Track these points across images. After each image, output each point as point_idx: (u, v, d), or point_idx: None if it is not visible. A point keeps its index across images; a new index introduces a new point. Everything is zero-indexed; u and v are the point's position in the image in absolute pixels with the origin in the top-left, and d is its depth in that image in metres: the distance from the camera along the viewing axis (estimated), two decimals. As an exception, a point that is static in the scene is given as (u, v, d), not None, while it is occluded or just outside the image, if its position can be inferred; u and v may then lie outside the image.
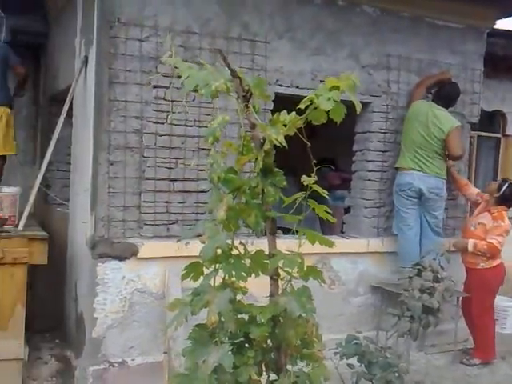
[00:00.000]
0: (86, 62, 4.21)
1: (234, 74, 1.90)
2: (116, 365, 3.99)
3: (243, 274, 1.98)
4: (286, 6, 4.49)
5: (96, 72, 3.94)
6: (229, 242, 1.97)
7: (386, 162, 5.02)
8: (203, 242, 1.98)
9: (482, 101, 5.52)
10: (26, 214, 4.20)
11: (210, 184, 2.02)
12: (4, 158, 5.15)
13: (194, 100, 4.13)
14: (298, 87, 4.52)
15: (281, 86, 4.47)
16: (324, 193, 1.86)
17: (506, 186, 4.92)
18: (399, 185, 4.86)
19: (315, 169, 1.89)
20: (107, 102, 3.96)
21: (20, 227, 4.13)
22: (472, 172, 6.68)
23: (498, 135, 7.24)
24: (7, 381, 3.94)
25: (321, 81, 4.59)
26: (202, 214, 4.28)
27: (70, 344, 4.51)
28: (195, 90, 2.00)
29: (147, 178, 4.14)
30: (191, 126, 4.20)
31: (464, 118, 5.29)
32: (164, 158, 4.18)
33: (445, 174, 4.94)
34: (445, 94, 4.95)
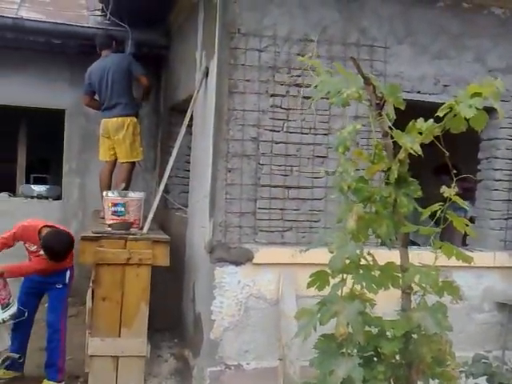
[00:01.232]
0: (206, 73, 4.36)
1: (367, 81, 1.87)
2: (232, 367, 4.08)
3: (373, 285, 1.94)
4: (406, 10, 4.37)
5: (217, 82, 4.07)
6: (358, 252, 1.94)
7: (514, 170, 4.70)
8: (332, 252, 1.96)
9: None
10: (150, 217, 4.43)
11: (339, 193, 1.99)
12: (133, 163, 5.47)
13: (309, 107, 4.13)
14: (419, 92, 4.37)
15: (402, 91, 4.32)
16: (464, 204, 1.77)
17: None
18: None
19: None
20: (226, 111, 4.08)
21: (145, 230, 4.36)
22: None
23: None
24: (131, 376, 4.16)
25: (444, 86, 4.41)
26: (316, 221, 4.26)
27: (188, 344, 4.68)
28: (325, 98, 1.99)
29: (263, 185, 4.20)
30: (307, 134, 4.21)
31: None
32: (279, 166, 4.22)
33: None
34: None
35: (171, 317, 5.18)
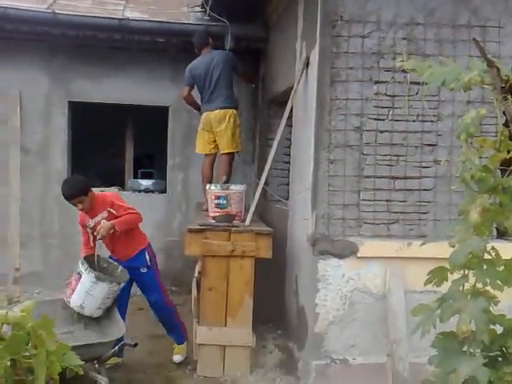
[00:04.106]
0: (307, 63, 4.31)
1: (491, 63, 1.74)
2: (338, 362, 4.03)
3: (498, 281, 1.81)
4: (523, -16, 4.06)
5: (318, 72, 4.01)
6: (482, 246, 1.82)
7: None
8: (453, 246, 1.86)
9: None
10: (252, 210, 4.48)
11: (461, 184, 1.88)
12: (233, 155, 5.56)
13: (416, 93, 3.96)
14: (538, 74, 4.04)
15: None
16: None
17: None
18: None
19: None
20: (328, 100, 4.00)
21: (247, 222, 4.41)
22: None
23: None
24: (238, 366, 4.24)
25: None
26: (425, 213, 4.09)
27: (292, 336, 4.68)
28: (418, 82, 1.89)
29: (366, 176, 4.09)
30: (414, 122, 4.04)
31: None
32: (384, 156, 4.09)
33: None
34: None
35: (274, 309, 5.21)
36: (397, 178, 4.09)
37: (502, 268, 1.86)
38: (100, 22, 5.87)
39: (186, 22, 6.08)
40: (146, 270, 4.36)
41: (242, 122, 6.45)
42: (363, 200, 4.11)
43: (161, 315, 4.51)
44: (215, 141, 5.49)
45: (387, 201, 4.11)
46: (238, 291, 4.27)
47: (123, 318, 4.20)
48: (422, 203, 4.08)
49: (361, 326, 4.07)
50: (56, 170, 6.57)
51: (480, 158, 1.81)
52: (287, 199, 5.17)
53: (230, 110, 5.39)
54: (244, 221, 4.51)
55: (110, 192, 4.60)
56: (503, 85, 1.73)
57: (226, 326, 4.26)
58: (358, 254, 4.04)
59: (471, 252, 1.82)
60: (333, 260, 4.06)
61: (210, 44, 5.57)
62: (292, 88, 4.52)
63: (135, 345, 3.91)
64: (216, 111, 5.36)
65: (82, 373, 1.99)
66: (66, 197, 4.07)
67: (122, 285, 3.94)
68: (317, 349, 4.05)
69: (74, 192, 4.05)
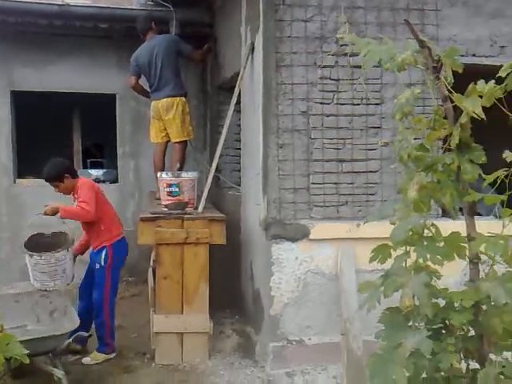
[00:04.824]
0: (252, 48, 4.32)
1: (422, 44, 1.79)
2: (294, 343, 4.10)
3: (438, 257, 1.88)
4: (458, -32, 4.17)
5: (263, 57, 4.02)
6: (421, 223, 1.89)
7: None
8: (393, 224, 1.92)
9: None
10: (204, 196, 4.48)
11: (399, 163, 1.93)
12: (185, 143, 5.52)
13: (360, 77, 4.02)
14: (474, 55, 4.18)
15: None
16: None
17: None
18: None
19: None
20: (275, 85, 4.03)
21: (200, 209, 4.41)
22: None
23: None
24: (196, 352, 4.26)
25: (501, 47, 4.19)
26: (373, 194, 4.19)
27: (249, 320, 4.74)
28: (376, 66, 1.93)
29: (315, 160, 4.15)
30: (358, 105, 4.12)
31: None
32: (331, 139, 4.15)
33: None
34: None
35: (231, 294, 5.25)
36: (344, 160, 4.17)
37: (442, 244, 1.93)
38: (40, 7, 5.69)
39: (128, 7, 5.96)
40: (98, 267, 4.34)
41: (192, 109, 6.40)
42: (313, 183, 4.17)
43: (94, 316, 4.39)
44: (166, 129, 5.44)
45: (336, 183, 4.18)
46: (193, 278, 4.27)
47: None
48: (370, 185, 4.18)
49: (315, 306, 4.15)
50: (0, 162, 6.37)
51: (416, 138, 1.87)
52: (240, 185, 5.19)
53: (178, 98, 5.33)
54: (197, 208, 4.50)
55: (87, 179, 4.55)
56: (435, 65, 1.78)
57: (182, 313, 4.27)
58: (310, 237, 4.10)
59: (411, 229, 1.89)
60: (286, 243, 4.11)
61: (153, 29, 5.49)
62: (239, 73, 4.52)
63: (89, 336, 3.88)
64: (163, 100, 5.30)
65: (27, 361, 1.97)
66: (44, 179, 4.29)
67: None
68: (273, 331, 4.11)
69: (49, 176, 4.23)
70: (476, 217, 2.14)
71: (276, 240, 4.10)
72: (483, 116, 1.71)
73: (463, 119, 1.73)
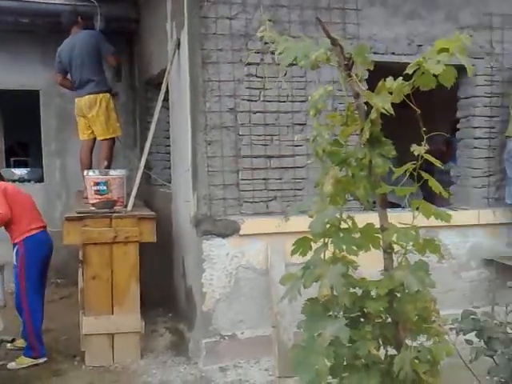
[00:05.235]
0: (178, 44, 4.29)
1: (334, 42, 1.84)
2: (227, 338, 4.13)
3: (354, 247, 1.96)
4: (376, -31, 4.31)
5: (189, 53, 4.01)
6: (337, 215, 1.95)
7: (493, 127, 4.72)
8: (311, 217, 1.97)
9: None
10: (133, 194, 4.42)
11: (315, 158, 1.99)
12: (113, 140, 5.42)
13: (285, 75, 4.10)
14: (393, 54, 4.35)
15: (375, 53, 4.31)
16: (438, 162, 1.78)
17: None
18: (509, 151, 4.57)
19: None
20: (201, 82, 4.03)
21: (129, 208, 4.35)
22: None
23: None
24: (127, 352, 4.21)
25: (418, 46, 4.38)
26: (300, 189, 4.27)
27: (182, 317, 4.73)
28: (293, 64, 1.97)
29: (244, 156, 4.19)
30: (284, 102, 4.19)
31: None
32: (259, 136, 4.21)
33: None
34: None
35: (164, 292, 5.22)
36: (272, 156, 4.23)
37: (358, 235, 2.01)
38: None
39: (51, 1, 5.76)
40: (13, 265, 4.22)
41: (120, 105, 6.30)
42: (242, 179, 4.21)
43: (21, 317, 4.29)
44: (91, 126, 5.31)
45: (265, 179, 4.24)
46: (123, 278, 4.21)
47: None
48: (297, 180, 4.26)
49: (247, 301, 4.20)
50: None
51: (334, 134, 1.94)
52: (171, 182, 5.16)
53: (101, 95, 5.21)
54: (126, 206, 4.44)
55: (3, 182, 4.34)
56: (346, 62, 1.85)
57: (113, 313, 4.21)
58: (241, 232, 4.15)
59: (328, 221, 1.95)
60: (216, 239, 4.13)
61: (79, 23, 5.35)
62: (166, 70, 4.49)
63: (12, 340, 3.75)
64: (86, 97, 5.17)
65: None
66: None
67: None
68: (206, 327, 4.13)
69: None
70: (398, 209, 2.24)
71: (207, 236, 4.12)
72: (392, 112, 1.78)
73: (373, 115, 1.81)
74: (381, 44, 4.32)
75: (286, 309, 3.97)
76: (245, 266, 4.20)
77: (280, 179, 4.26)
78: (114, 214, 4.20)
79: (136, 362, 4.20)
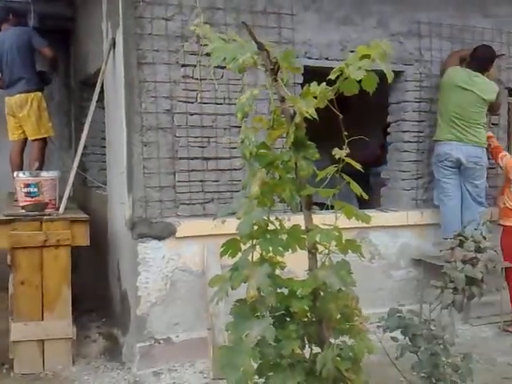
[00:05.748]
0: (113, 44, 4.23)
1: (260, 46, 1.88)
2: (162, 341, 4.08)
3: (280, 248, 1.99)
4: (311, -24, 4.40)
5: (124, 54, 3.95)
6: (265, 217, 1.98)
7: (422, 132, 4.92)
8: (239, 219, 2.00)
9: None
10: (65, 197, 4.31)
11: (243, 160, 2.02)
12: (45, 141, 5.25)
13: (222, 77, 4.12)
14: (327, 59, 4.45)
15: (310, 58, 4.41)
16: (358, 166, 1.84)
17: None
18: (437, 155, 4.78)
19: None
20: (137, 83, 3.98)
21: (61, 210, 4.24)
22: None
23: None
24: (58, 359, 4.09)
25: (351, 51, 4.48)
26: (237, 191, 4.29)
27: (116, 322, 4.64)
28: (219, 66, 1.99)
29: (180, 158, 4.16)
30: (221, 104, 4.20)
31: (501, 83, 5.11)
32: (196, 138, 4.19)
33: (484, 142, 4.80)
34: (479, 55, 4.77)
35: (98, 297, 5.11)
36: (209, 158, 4.23)
37: (286, 236, 2.05)
38: None
39: (-18, -3, 5.56)
40: None
41: (54, 105, 6.14)
42: (179, 181, 4.18)
43: None
44: (22, 126, 5.15)
45: (201, 181, 4.23)
46: (54, 283, 4.09)
47: None
48: (234, 182, 4.28)
49: (183, 303, 4.17)
50: None
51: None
52: (107, 184, 5.06)
53: (33, 94, 5.07)
54: (58, 209, 4.32)
55: None
56: (272, 67, 1.88)
57: (43, 319, 4.08)
58: (177, 235, 4.12)
59: (255, 223, 1.98)
60: (152, 242, 4.09)
61: (10, 20, 5.18)
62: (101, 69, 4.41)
63: None
64: (16, 96, 5.03)
65: None
66: None
67: None
68: (140, 331, 4.06)
69: None
70: (323, 211, 2.28)
71: (142, 239, 4.06)
72: (315, 116, 1.83)
73: (297, 119, 1.85)
74: (315, 49, 4.41)
75: (222, 310, 3.98)
76: (181, 268, 4.17)
77: (217, 181, 4.27)
78: (45, 217, 4.08)
79: (67, 368, 4.09)
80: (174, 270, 4.16)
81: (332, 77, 1.84)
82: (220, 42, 1.97)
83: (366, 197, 1.93)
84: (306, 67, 4.29)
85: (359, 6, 4.58)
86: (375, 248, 4.74)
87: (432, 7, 4.84)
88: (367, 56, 1.78)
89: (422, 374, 2.83)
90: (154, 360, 4.05)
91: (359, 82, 1.81)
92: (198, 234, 4.16)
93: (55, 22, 5.81)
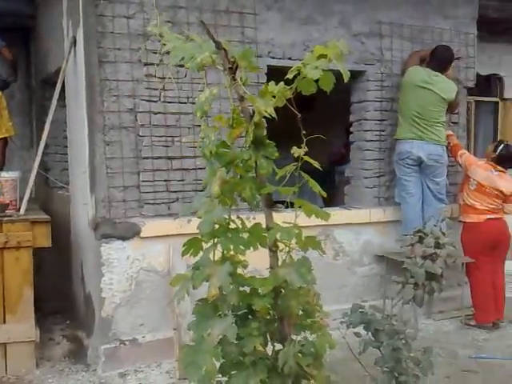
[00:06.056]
0: (74, 42, 4.17)
1: (218, 45, 1.88)
2: (127, 342, 4.05)
3: (241, 247, 2.00)
4: (273, -24, 4.41)
5: (85, 52, 3.90)
6: (226, 216, 1.99)
7: (383, 131, 4.99)
8: (200, 218, 2.00)
9: (477, 65, 5.46)
10: (26, 197, 4.23)
11: (203, 159, 2.02)
12: (5, 141, 5.14)
13: (185, 76, 4.10)
14: (290, 58, 4.47)
15: (273, 58, 4.42)
16: (316, 164, 1.86)
17: (501, 147, 4.92)
18: (398, 153, 4.86)
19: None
20: (98, 81, 3.93)
21: (22, 211, 4.16)
22: (471, 138, 6.63)
23: (496, 99, 7.07)
24: (21, 362, 4.01)
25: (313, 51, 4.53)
26: (202, 190, 4.26)
27: (81, 324, 4.57)
28: (181, 65, 1.99)
29: (144, 158, 4.13)
30: (185, 103, 4.18)
31: (460, 82, 5.23)
32: (160, 137, 4.16)
33: (444, 140, 4.90)
34: (439, 55, 4.87)
35: (62, 299, 5.03)
36: (174, 158, 4.21)
37: (247, 235, 2.06)
38: None
39: None
40: None
41: (15, 104, 6.01)
42: (143, 181, 4.15)
43: None
44: (-19, 126, 5.03)
45: (166, 181, 4.21)
46: (15, 285, 4.01)
47: None
48: (199, 181, 4.26)
49: (149, 304, 4.14)
50: None
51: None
52: (69, 184, 4.98)
53: None
54: (19, 210, 4.24)
55: None
56: (230, 66, 1.89)
57: (4, 322, 4.00)
58: (142, 235, 4.08)
59: (216, 221, 1.98)
60: (116, 243, 4.05)
61: None
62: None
63: None
64: None
65: None
66: None
67: None
68: (105, 333, 4.02)
69: None
70: (286, 209, 2.30)
71: (106, 240, 4.02)
72: (274, 115, 1.85)
73: (256, 118, 1.86)
74: (278, 49, 4.42)
75: (188, 310, 3.97)
76: (146, 268, 4.14)
77: (182, 180, 4.25)
78: (5, 218, 4.00)
79: (31, 371, 4.01)
80: (139, 270, 4.13)
81: (290, 76, 1.86)
82: (178, 41, 1.96)
83: (324, 194, 1.96)
84: (269, 67, 4.32)
85: (321, 6, 4.61)
86: (339, 245, 4.80)
87: (393, 8, 4.91)
88: (324, 56, 1.80)
89: (385, 369, 2.88)
90: (120, 361, 4.01)
91: (316, 81, 1.84)
92: (163, 234, 4.13)
93: (15, 20, 5.67)
